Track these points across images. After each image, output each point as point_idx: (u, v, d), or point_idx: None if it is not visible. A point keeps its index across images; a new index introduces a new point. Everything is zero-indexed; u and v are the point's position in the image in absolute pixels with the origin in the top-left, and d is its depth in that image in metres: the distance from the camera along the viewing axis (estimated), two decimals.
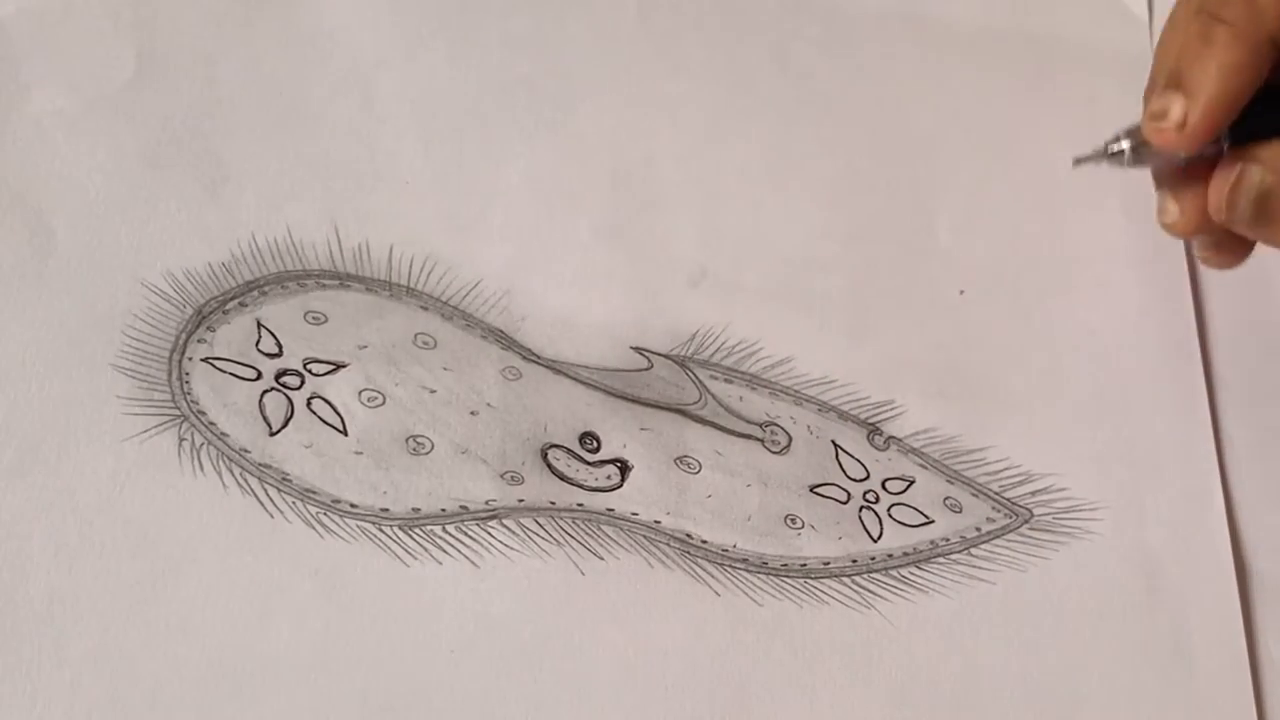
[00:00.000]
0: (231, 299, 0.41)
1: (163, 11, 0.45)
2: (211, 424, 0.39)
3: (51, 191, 0.42)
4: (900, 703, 0.38)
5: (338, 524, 0.38)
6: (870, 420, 0.42)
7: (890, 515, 0.40)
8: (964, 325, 0.43)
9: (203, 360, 0.40)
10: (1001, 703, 0.38)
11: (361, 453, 0.39)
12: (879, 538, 0.40)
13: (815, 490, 0.41)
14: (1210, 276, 0.45)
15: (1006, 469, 0.41)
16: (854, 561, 0.40)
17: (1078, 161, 0.37)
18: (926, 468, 0.41)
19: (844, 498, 0.41)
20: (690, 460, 0.40)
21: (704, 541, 0.39)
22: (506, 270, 0.43)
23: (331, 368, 0.40)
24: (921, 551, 0.40)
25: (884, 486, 0.41)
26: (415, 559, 0.38)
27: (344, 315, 0.41)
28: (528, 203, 0.44)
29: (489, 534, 0.38)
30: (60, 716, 0.34)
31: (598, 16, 0.47)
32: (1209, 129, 0.35)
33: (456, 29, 0.46)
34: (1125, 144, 0.37)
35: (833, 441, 0.41)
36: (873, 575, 0.39)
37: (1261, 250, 0.45)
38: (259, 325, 0.40)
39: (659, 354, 0.42)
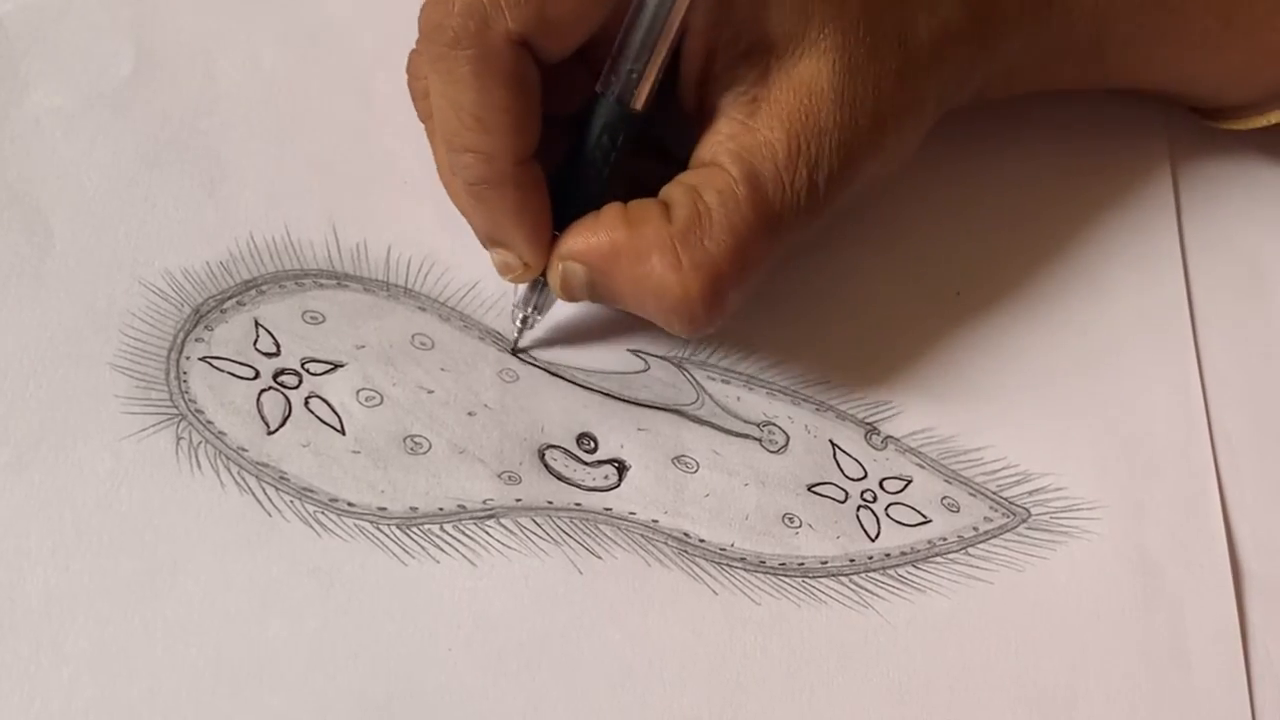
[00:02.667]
0: (229, 298, 0.41)
1: (161, 9, 0.45)
2: (209, 423, 0.39)
3: (49, 189, 0.42)
4: (898, 701, 0.38)
5: (335, 523, 0.38)
6: (868, 420, 0.42)
7: (888, 515, 0.40)
8: (961, 325, 0.43)
9: (200, 359, 0.40)
10: (998, 702, 0.38)
11: (359, 452, 0.39)
12: (877, 537, 0.40)
13: (813, 490, 0.41)
14: (1207, 276, 0.45)
15: (1004, 468, 0.41)
16: (852, 561, 0.40)
17: (515, 350, 0.41)
18: (924, 467, 0.41)
19: (842, 497, 0.41)
20: (688, 460, 0.40)
21: (702, 540, 0.39)
22: None
23: (329, 367, 0.40)
24: (919, 551, 0.40)
25: (882, 486, 0.41)
26: (413, 558, 0.38)
27: (342, 315, 0.41)
28: None
29: (487, 533, 0.38)
30: (58, 715, 0.34)
31: None
32: (543, 254, 0.38)
33: None
34: (529, 310, 0.40)
35: (830, 441, 0.41)
36: (870, 574, 0.39)
37: (1261, 249, 0.46)
38: (257, 324, 0.40)
39: (656, 355, 0.42)
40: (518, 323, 0.41)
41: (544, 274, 0.39)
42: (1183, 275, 0.45)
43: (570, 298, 0.39)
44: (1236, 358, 0.44)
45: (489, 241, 0.39)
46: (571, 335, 0.42)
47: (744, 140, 0.37)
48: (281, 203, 0.42)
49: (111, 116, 0.43)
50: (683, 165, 0.39)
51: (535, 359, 0.41)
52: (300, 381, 0.40)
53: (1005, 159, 0.46)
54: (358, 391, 0.40)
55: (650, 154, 0.40)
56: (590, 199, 0.38)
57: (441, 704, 0.36)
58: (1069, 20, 0.41)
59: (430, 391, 0.40)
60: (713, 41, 0.37)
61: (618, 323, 0.42)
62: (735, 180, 0.37)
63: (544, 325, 0.41)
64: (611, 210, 0.37)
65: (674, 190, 0.37)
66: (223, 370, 0.40)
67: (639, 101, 0.37)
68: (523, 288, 0.40)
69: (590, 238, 0.37)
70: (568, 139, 0.38)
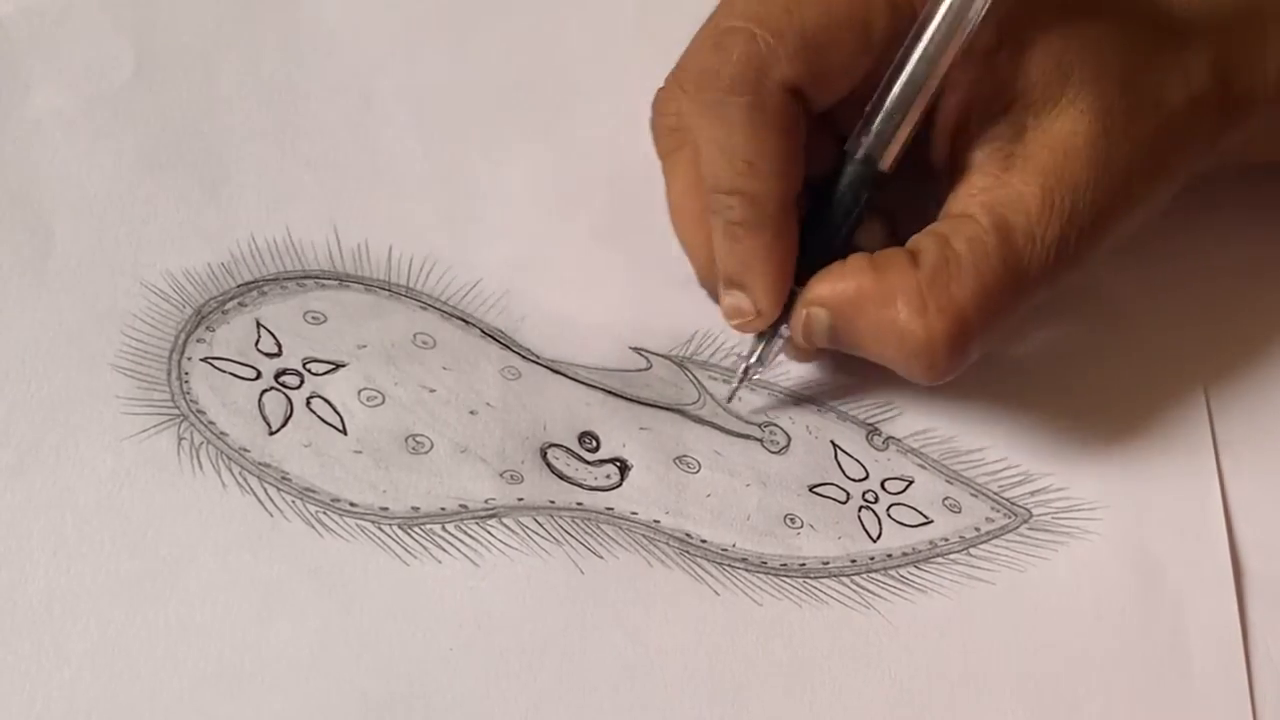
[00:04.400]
0: (231, 299, 0.41)
1: (162, 11, 0.45)
2: (211, 423, 0.39)
3: (50, 191, 0.42)
4: (899, 702, 0.38)
5: (337, 523, 0.38)
6: (869, 420, 0.42)
7: (889, 515, 0.41)
8: None
9: (202, 360, 0.40)
10: (1000, 702, 0.38)
11: (361, 452, 0.39)
12: (878, 538, 0.40)
13: (814, 490, 0.41)
14: (1206, 277, 0.45)
15: (1005, 469, 0.42)
16: (853, 561, 0.40)
17: (730, 398, 0.42)
18: (925, 468, 0.41)
19: (843, 498, 0.41)
20: (689, 460, 0.40)
21: (703, 541, 0.39)
22: (506, 270, 0.43)
23: (331, 367, 0.40)
24: (921, 551, 0.40)
25: (883, 486, 0.41)
26: (415, 558, 0.38)
27: (343, 315, 0.41)
28: (528, 203, 0.44)
29: (488, 533, 0.38)
30: (59, 715, 0.34)
31: (597, 16, 0.47)
32: (778, 305, 0.39)
33: (456, 29, 0.46)
34: (753, 360, 0.40)
35: (831, 441, 0.42)
36: (872, 575, 0.39)
37: (1258, 252, 0.46)
38: (258, 325, 0.41)
39: (658, 354, 0.42)
40: (739, 373, 0.41)
41: (773, 327, 0.39)
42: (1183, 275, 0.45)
43: (810, 343, 0.39)
44: (1238, 356, 0.44)
45: (728, 283, 0.39)
46: (574, 332, 0.42)
47: (997, 193, 0.37)
48: (283, 204, 0.42)
49: (113, 118, 0.43)
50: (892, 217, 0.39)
51: (538, 356, 0.41)
52: (302, 382, 0.40)
53: None
54: (359, 391, 0.40)
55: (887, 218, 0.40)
56: (832, 255, 0.38)
57: (443, 704, 0.36)
58: None
59: (432, 391, 0.40)
60: (971, 99, 0.37)
61: (620, 320, 0.42)
62: (986, 230, 0.37)
63: (545, 321, 0.41)
64: (857, 258, 0.38)
65: (923, 239, 0.38)
66: (224, 371, 0.40)
67: (887, 162, 0.37)
68: (750, 339, 0.40)
69: (837, 284, 0.37)
70: (809, 196, 0.39)
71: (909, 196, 0.39)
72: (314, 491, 0.38)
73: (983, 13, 0.35)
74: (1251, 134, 0.41)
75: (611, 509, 0.39)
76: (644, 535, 0.39)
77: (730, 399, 0.41)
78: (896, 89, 0.37)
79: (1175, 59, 0.38)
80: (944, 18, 0.35)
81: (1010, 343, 0.42)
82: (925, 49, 0.36)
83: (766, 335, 0.40)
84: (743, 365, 0.41)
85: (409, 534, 0.38)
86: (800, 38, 0.36)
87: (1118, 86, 0.37)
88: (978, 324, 0.37)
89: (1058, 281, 0.38)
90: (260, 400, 0.39)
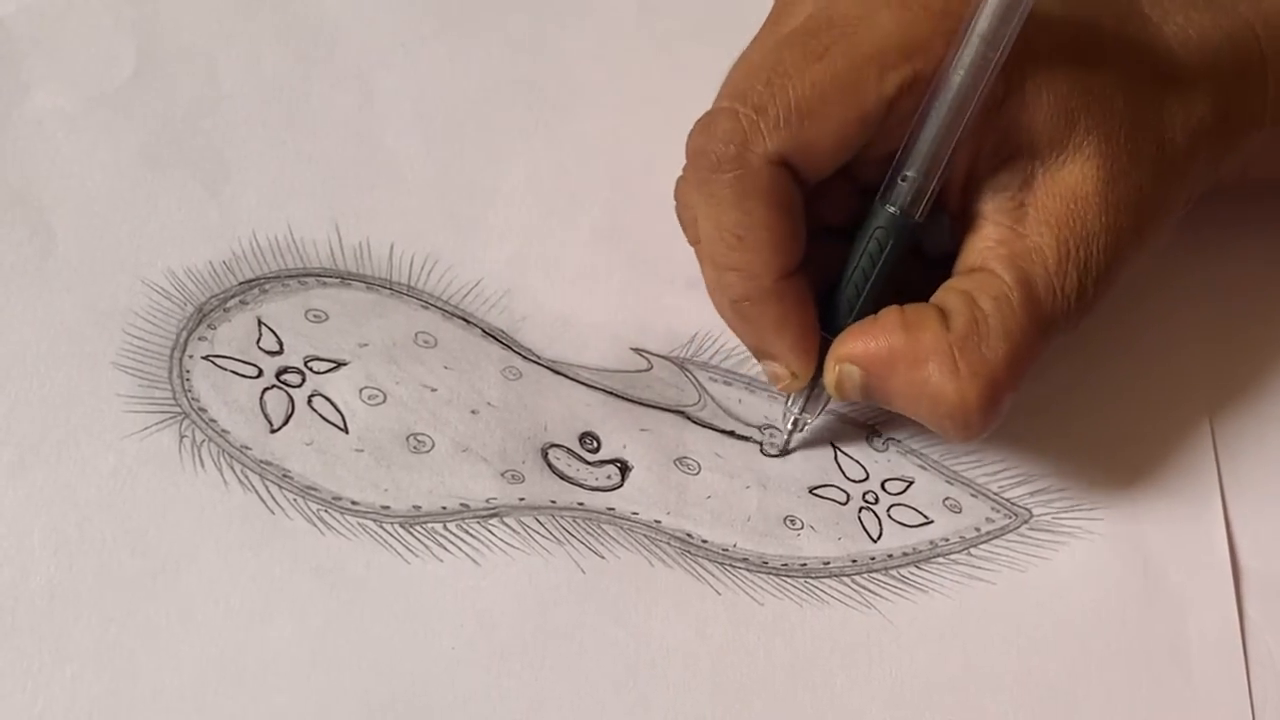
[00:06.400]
0: (232, 297, 0.41)
1: (163, 9, 0.45)
2: (212, 421, 0.39)
3: (52, 190, 0.42)
4: (900, 702, 0.38)
5: (338, 521, 0.38)
6: (869, 421, 0.42)
7: (890, 516, 0.41)
8: None
9: (204, 358, 0.40)
10: (1000, 702, 0.38)
11: (362, 450, 0.39)
12: (879, 538, 0.40)
13: (815, 491, 0.41)
14: (1206, 276, 0.45)
15: (1005, 469, 0.42)
16: (854, 561, 0.40)
17: (783, 452, 0.42)
18: (926, 468, 0.41)
19: (843, 499, 0.41)
20: (690, 461, 0.41)
21: (704, 541, 0.39)
22: (507, 270, 0.43)
23: (332, 365, 0.40)
24: (921, 551, 0.40)
25: (883, 487, 0.41)
26: (416, 556, 0.38)
27: (345, 313, 0.41)
28: (528, 203, 0.44)
29: (490, 532, 0.38)
30: (61, 713, 0.34)
31: (598, 16, 0.47)
32: (809, 365, 0.39)
33: (457, 28, 0.46)
34: (794, 417, 0.41)
35: (832, 443, 0.42)
36: (873, 575, 0.39)
37: (1257, 249, 0.46)
38: (260, 323, 0.40)
39: (658, 355, 0.42)
40: (788, 425, 0.41)
41: (817, 375, 0.39)
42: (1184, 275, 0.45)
43: (844, 398, 0.39)
44: (1237, 356, 0.44)
45: (756, 354, 0.40)
46: (575, 332, 0.42)
47: (1014, 246, 0.37)
48: (284, 202, 0.42)
49: (114, 117, 0.43)
50: (935, 261, 0.39)
51: (539, 356, 0.41)
52: (303, 380, 0.40)
53: None
54: (361, 390, 0.40)
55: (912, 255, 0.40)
56: (865, 306, 0.38)
57: (444, 703, 0.36)
58: None
59: (433, 390, 0.40)
60: (977, 147, 0.37)
61: (620, 321, 0.42)
62: (1010, 286, 0.37)
63: (545, 321, 0.41)
64: (889, 315, 0.38)
65: (949, 297, 0.38)
66: (226, 369, 0.40)
67: (918, 211, 0.38)
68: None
69: (870, 343, 0.38)
70: (843, 247, 0.39)
71: None
72: (315, 490, 0.38)
73: (1003, 60, 0.36)
74: (1250, 154, 0.41)
75: (613, 509, 0.39)
76: (645, 535, 0.39)
77: (783, 451, 0.41)
78: (924, 141, 0.37)
79: (1178, 99, 0.39)
80: (970, 65, 0.35)
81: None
82: (950, 99, 0.36)
83: (813, 384, 0.40)
84: (790, 417, 0.41)
85: (410, 533, 0.38)
86: (784, 110, 0.36)
87: (1123, 131, 0.38)
88: (1008, 382, 0.37)
89: (1078, 325, 0.38)
90: (262, 398, 0.39)
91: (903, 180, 0.37)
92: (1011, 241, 0.38)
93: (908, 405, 0.38)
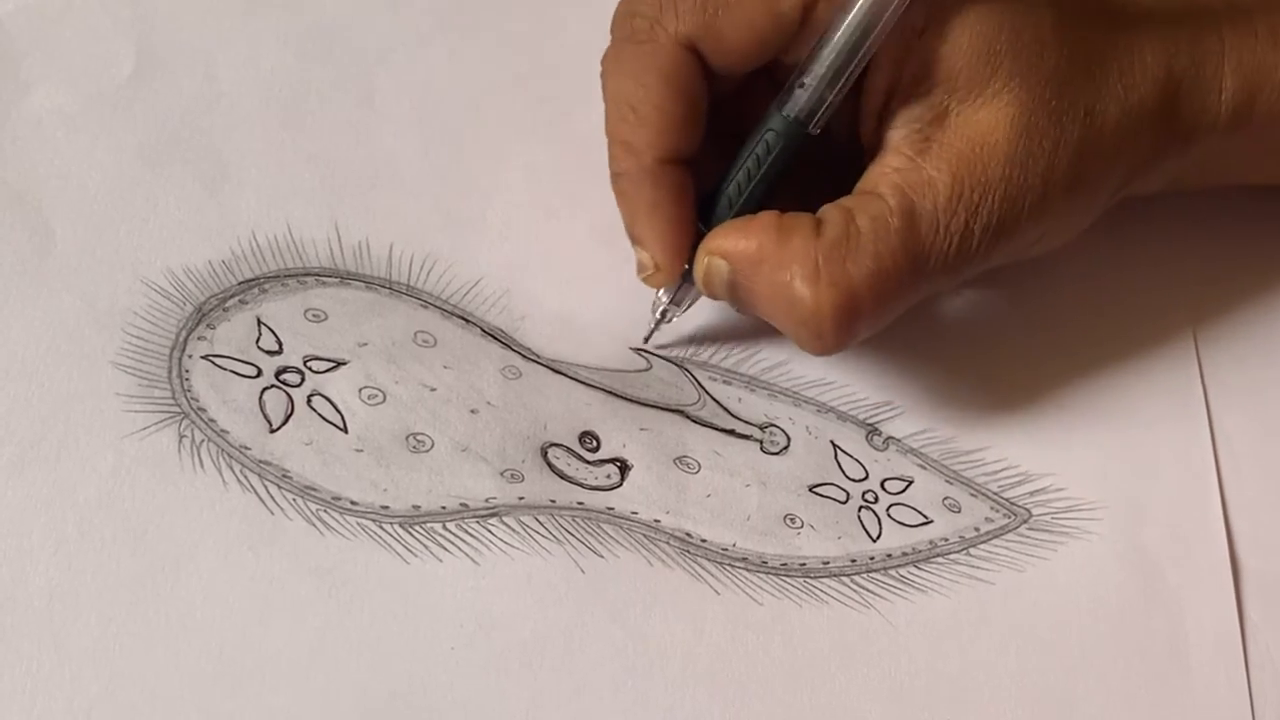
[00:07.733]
0: (232, 296, 0.41)
1: (162, 9, 0.45)
2: (211, 421, 0.39)
3: (51, 189, 0.42)
4: (899, 701, 0.38)
5: (338, 521, 0.38)
6: (869, 420, 0.42)
7: (889, 515, 0.41)
8: (962, 326, 0.44)
9: (203, 357, 0.40)
10: (999, 702, 0.38)
11: (362, 450, 0.39)
12: (878, 538, 0.40)
13: (814, 490, 0.41)
14: (1206, 276, 0.45)
15: (1005, 469, 0.42)
16: (853, 561, 0.40)
17: (646, 341, 0.42)
18: (925, 468, 0.41)
19: (843, 498, 0.41)
20: (689, 460, 0.41)
21: (704, 540, 0.39)
22: (506, 269, 0.43)
23: (332, 365, 0.40)
24: (920, 551, 0.40)
25: (883, 486, 0.41)
26: (415, 556, 0.38)
27: (344, 313, 0.41)
28: (528, 202, 0.44)
29: (489, 531, 0.38)
30: (60, 713, 0.34)
31: (598, 16, 0.47)
32: (675, 259, 0.39)
33: (456, 28, 0.46)
34: (662, 308, 0.41)
35: (831, 442, 0.42)
36: (872, 575, 0.40)
37: (1258, 250, 0.46)
38: (259, 322, 0.40)
39: (658, 354, 0.42)
40: (656, 315, 0.41)
41: (688, 268, 0.39)
42: (1184, 275, 0.45)
43: (710, 294, 0.39)
44: (1237, 356, 0.44)
45: (630, 238, 0.40)
46: (574, 331, 0.42)
47: (909, 176, 0.37)
48: (283, 201, 0.42)
49: (113, 116, 0.43)
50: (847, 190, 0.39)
51: (538, 356, 0.41)
52: (303, 379, 0.40)
53: None
54: (360, 389, 0.40)
55: (825, 181, 0.40)
56: (746, 205, 0.39)
57: (444, 703, 0.36)
58: (1273, 124, 0.40)
59: (433, 389, 0.40)
60: (896, 76, 0.37)
61: (620, 320, 0.42)
62: (891, 210, 0.37)
63: (545, 321, 0.41)
64: (765, 216, 0.38)
65: (829, 210, 0.38)
66: (225, 368, 0.40)
67: (813, 122, 0.38)
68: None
69: (740, 240, 0.37)
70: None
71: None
72: (315, 490, 0.38)
73: None
74: (1203, 161, 0.41)
75: (612, 508, 0.39)
76: (644, 535, 0.39)
77: (647, 339, 0.42)
78: (822, 57, 0.37)
79: (1118, 68, 0.38)
80: None
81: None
82: (856, 15, 0.36)
83: (683, 279, 0.40)
84: (658, 307, 0.41)
85: (410, 533, 0.38)
86: None
87: (1048, 86, 0.37)
88: (868, 303, 0.37)
89: (958, 275, 0.38)
90: (261, 398, 0.39)
91: (800, 87, 0.37)
92: (907, 171, 0.37)
93: (768, 309, 0.38)
